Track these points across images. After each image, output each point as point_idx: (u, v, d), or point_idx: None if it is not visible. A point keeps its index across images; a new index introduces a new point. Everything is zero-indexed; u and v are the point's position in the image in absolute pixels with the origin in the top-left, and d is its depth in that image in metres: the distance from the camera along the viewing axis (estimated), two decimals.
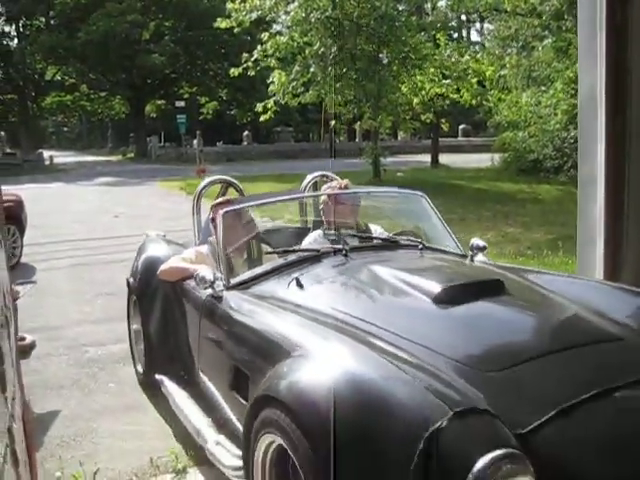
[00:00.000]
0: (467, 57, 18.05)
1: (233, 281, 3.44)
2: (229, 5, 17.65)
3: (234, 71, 17.52)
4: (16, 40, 43.64)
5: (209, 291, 3.44)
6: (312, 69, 17.20)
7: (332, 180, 4.62)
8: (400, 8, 18.50)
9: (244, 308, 3.15)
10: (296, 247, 3.69)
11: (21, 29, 43.51)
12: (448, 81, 17.94)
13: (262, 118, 17.90)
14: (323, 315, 2.75)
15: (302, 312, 2.84)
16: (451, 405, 1.87)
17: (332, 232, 3.98)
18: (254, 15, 17.51)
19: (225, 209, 3.83)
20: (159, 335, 4.27)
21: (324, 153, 38.64)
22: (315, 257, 3.48)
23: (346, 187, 4.30)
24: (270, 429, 2.28)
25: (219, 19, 17.75)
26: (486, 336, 2.52)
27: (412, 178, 19.87)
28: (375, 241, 3.83)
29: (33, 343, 5.07)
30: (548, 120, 18.96)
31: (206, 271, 3.50)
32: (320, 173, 4.90)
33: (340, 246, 3.53)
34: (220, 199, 4.40)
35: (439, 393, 1.96)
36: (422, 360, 2.23)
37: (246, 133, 40.73)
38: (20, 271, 9.30)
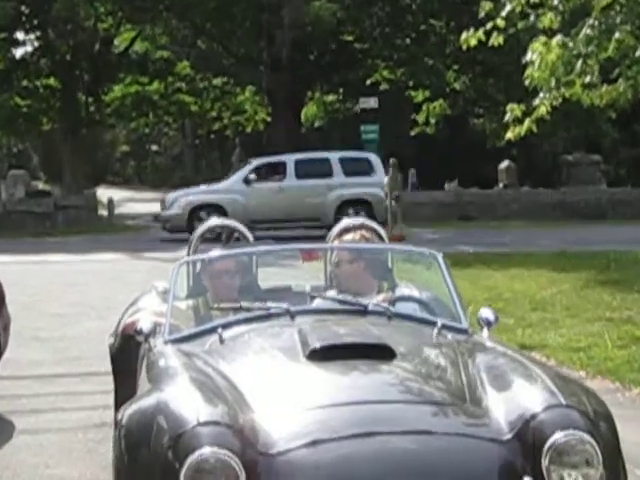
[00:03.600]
0: None
1: (171, 337, 5.24)
2: None
3: (471, 35, 13.42)
4: None
5: (146, 345, 5.49)
6: None
7: (361, 230, 6.02)
8: None
9: (159, 364, 4.97)
10: (240, 305, 5.38)
11: None
12: None
13: (509, 134, 14.05)
14: (199, 368, 4.63)
15: (194, 364, 4.73)
16: (199, 419, 3.82)
17: (317, 294, 5.69)
18: None
19: (183, 260, 5.88)
20: (122, 384, 6.36)
21: None
22: (264, 316, 5.26)
23: (365, 240, 5.99)
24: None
25: None
26: (314, 385, 4.29)
27: None
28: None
29: None
30: None
31: (145, 323, 5.43)
32: (354, 220, 6.41)
33: (283, 308, 5.21)
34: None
35: (204, 413, 3.87)
36: (234, 394, 4.17)
37: (506, 164, 32.79)
38: None
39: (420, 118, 34.34)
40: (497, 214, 28.00)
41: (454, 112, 35.18)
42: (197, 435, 3.73)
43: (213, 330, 5.11)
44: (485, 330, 5.36)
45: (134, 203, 36.45)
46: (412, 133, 33.83)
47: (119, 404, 6.03)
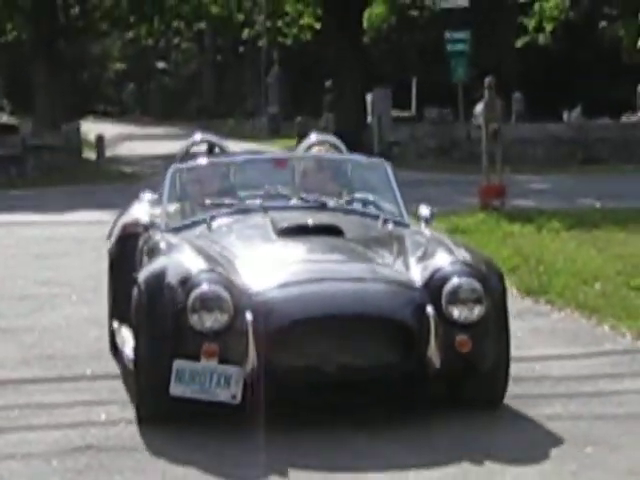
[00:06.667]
0: None
1: (167, 227, 7.89)
2: None
3: None
4: None
5: (146, 235, 8.19)
6: None
7: (324, 146, 8.94)
8: None
9: (160, 245, 7.59)
10: (223, 203, 8.12)
11: None
12: None
13: None
14: (201, 241, 7.40)
15: (191, 241, 7.35)
16: (200, 267, 6.48)
17: (278, 194, 8.44)
18: None
19: (175, 167, 8.34)
20: (120, 287, 8.62)
21: None
22: (243, 211, 7.81)
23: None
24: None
25: None
26: (282, 251, 6.97)
27: None
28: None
29: None
30: None
31: (144, 216, 8.14)
32: (319, 136, 9.32)
33: (258, 204, 7.88)
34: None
35: (203, 264, 6.54)
36: (224, 258, 6.86)
37: None
38: None
39: (530, 23, 26.78)
40: (636, 155, 23.65)
41: (577, 14, 27.78)
42: (199, 277, 6.34)
43: (202, 221, 7.63)
44: (423, 224, 7.79)
45: (134, 142, 29.27)
46: (518, 44, 27.23)
47: (117, 311, 8.46)
